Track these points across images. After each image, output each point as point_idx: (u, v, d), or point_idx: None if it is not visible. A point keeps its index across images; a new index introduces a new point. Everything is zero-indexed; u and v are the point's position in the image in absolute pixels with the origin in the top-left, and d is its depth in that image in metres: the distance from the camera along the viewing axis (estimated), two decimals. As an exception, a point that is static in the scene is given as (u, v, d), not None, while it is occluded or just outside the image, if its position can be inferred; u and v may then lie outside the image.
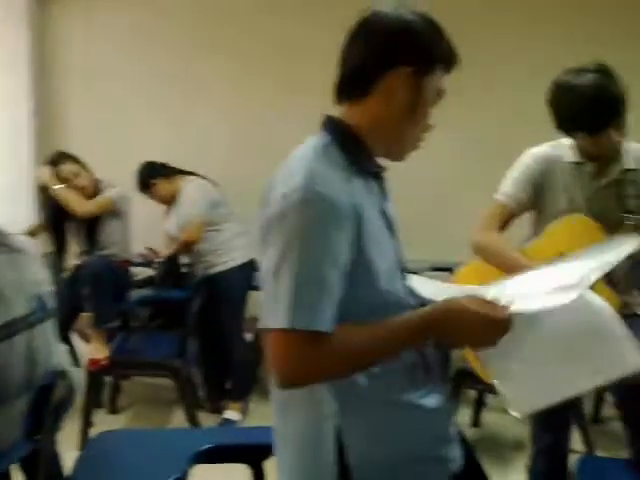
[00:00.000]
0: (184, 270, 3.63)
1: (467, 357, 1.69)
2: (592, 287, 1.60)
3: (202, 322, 3.31)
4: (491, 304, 1.04)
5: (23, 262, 1.73)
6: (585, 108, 1.69)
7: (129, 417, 3.40)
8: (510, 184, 1.95)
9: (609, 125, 1.71)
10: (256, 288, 2.90)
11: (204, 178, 3.44)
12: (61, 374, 1.73)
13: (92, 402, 3.07)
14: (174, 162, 3.50)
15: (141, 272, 3.77)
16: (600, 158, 1.85)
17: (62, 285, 3.36)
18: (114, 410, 3.43)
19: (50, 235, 3.51)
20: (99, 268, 3.13)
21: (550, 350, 1.15)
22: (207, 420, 3.22)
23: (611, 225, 1.83)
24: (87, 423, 2.98)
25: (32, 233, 3.55)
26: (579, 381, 1.20)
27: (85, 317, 3.27)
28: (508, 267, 1.83)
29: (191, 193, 3.33)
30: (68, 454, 1.83)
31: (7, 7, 4.19)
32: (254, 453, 1.74)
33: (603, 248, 1.38)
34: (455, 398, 2.90)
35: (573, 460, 2.05)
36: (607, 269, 1.13)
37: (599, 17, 4.26)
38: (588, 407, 3.03)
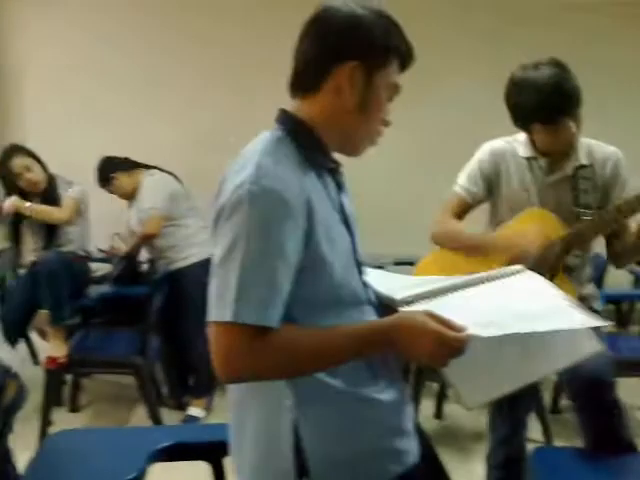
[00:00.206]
0: (144, 266, 3.59)
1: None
2: (553, 279, 1.64)
3: (163, 318, 3.27)
4: (449, 324, 1.02)
5: None
6: (544, 98, 1.72)
7: (90, 415, 3.34)
8: (465, 177, 1.99)
9: (568, 114, 1.74)
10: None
11: (166, 172, 3.39)
12: (10, 374, 1.69)
13: (51, 401, 3.01)
14: (133, 157, 3.45)
15: (102, 268, 3.72)
16: (554, 154, 1.88)
17: (19, 281, 3.30)
18: (75, 408, 3.37)
19: (8, 231, 3.42)
20: (55, 265, 3.06)
21: (505, 343, 1.16)
22: (170, 417, 3.19)
23: (565, 218, 1.87)
24: (46, 422, 2.92)
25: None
26: (534, 370, 1.20)
27: (43, 314, 3.20)
28: (468, 247, 1.87)
29: (150, 187, 3.28)
30: (26, 454, 1.78)
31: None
32: (214, 450, 1.73)
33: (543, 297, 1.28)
34: (417, 391, 2.93)
35: (531, 450, 2.10)
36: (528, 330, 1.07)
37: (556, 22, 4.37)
38: (547, 397, 3.09)
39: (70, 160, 3.73)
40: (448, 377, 1.09)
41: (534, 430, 2.79)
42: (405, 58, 1.14)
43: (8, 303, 3.15)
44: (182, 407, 3.30)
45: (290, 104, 1.16)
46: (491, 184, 1.96)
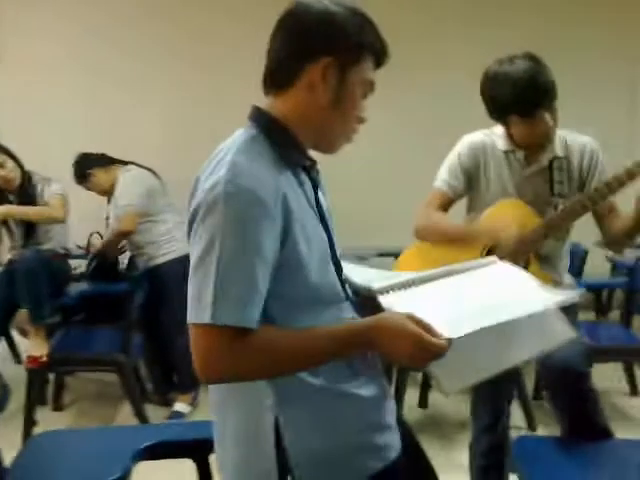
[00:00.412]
0: (124, 263, 3.57)
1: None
2: (527, 269, 1.66)
3: (144, 315, 3.26)
4: (429, 329, 1.02)
5: None
6: (520, 92, 1.74)
7: (74, 414, 3.33)
8: (445, 171, 2.00)
9: (544, 106, 1.76)
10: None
11: (144, 167, 3.36)
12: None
13: (35, 400, 2.98)
14: (113, 152, 3.42)
15: (82, 265, 3.69)
16: (531, 146, 1.89)
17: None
18: (59, 407, 3.35)
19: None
20: (33, 263, 3.03)
21: (481, 334, 1.17)
22: (156, 413, 3.19)
23: (541, 209, 1.89)
24: (30, 422, 2.89)
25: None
26: (510, 355, 1.22)
27: (23, 313, 3.17)
28: (450, 238, 1.89)
29: (126, 183, 3.25)
30: (10, 454, 1.77)
31: None
32: (199, 448, 1.73)
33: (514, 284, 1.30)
34: (401, 380, 2.96)
35: (515, 436, 2.12)
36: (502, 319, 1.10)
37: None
38: (529, 384, 3.13)
39: (47, 157, 3.68)
40: (428, 366, 1.11)
41: (517, 416, 2.84)
42: (379, 55, 1.14)
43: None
44: (168, 403, 3.30)
45: (256, 101, 1.15)
46: (471, 177, 1.97)
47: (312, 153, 1.17)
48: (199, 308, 1.00)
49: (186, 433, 1.84)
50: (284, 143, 1.10)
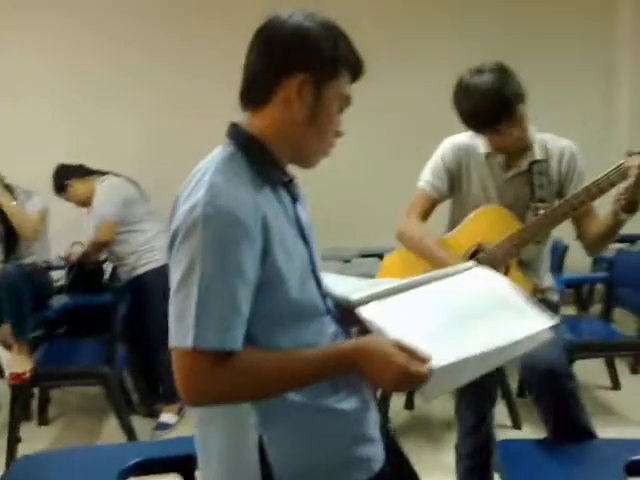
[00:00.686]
0: (106, 274, 3.55)
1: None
2: (507, 274, 1.67)
3: (129, 326, 3.23)
4: (415, 355, 1.03)
5: None
6: (474, 108, 1.76)
7: (60, 428, 3.30)
8: (429, 172, 2.00)
9: (500, 122, 1.77)
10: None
11: (122, 176, 3.34)
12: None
13: (18, 417, 2.94)
14: (88, 163, 3.40)
15: (63, 276, 3.66)
16: (505, 152, 1.91)
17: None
18: (44, 421, 3.31)
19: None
20: (14, 278, 2.99)
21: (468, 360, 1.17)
22: (142, 425, 3.16)
23: (522, 213, 1.90)
24: (14, 440, 2.85)
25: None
26: (492, 361, 1.23)
27: (6, 328, 3.13)
28: (427, 258, 1.89)
29: (102, 193, 3.24)
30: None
31: None
32: (185, 462, 1.72)
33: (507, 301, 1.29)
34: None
35: (500, 435, 2.14)
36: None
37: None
38: (513, 382, 3.15)
39: (29, 168, 3.65)
40: None
41: (502, 415, 2.86)
42: (355, 69, 1.14)
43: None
44: (154, 414, 3.28)
45: (233, 107, 1.15)
46: (454, 178, 1.97)
47: (292, 166, 1.18)
48: (181, 331, 0.99)
49: (172, 449, 1.82)
50: (262, 161, 1.11)
